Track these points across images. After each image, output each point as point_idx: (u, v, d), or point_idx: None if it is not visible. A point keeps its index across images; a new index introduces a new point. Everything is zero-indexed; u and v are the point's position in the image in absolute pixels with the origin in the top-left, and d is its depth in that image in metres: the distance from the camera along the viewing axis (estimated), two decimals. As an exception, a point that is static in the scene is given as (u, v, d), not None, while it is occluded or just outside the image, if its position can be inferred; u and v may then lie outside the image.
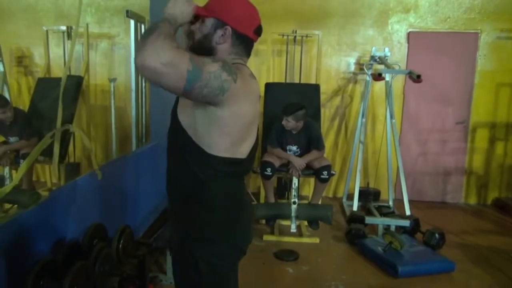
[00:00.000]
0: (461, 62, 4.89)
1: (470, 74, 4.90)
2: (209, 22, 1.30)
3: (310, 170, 3.82)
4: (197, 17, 1.31)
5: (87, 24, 4.21)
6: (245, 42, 1.34)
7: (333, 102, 5.09)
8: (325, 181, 3.78)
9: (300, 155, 3.83)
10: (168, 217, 1.51)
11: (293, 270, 3.15)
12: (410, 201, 4.22)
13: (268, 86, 4.53)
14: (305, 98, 4.26)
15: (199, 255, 1.30)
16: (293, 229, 3.67)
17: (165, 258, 2.82)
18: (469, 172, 5.07)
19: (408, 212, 4.01)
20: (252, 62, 4.94)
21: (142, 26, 3.28)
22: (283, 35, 4.74)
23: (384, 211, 4.27)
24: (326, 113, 5.04)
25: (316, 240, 3.68)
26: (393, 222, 3.79)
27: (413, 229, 3.75)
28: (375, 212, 4.14)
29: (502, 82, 4.86)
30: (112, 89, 3.21)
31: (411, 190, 4.96)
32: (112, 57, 4.69)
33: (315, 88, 4.58)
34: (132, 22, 3.18)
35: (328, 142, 5.07)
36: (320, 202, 4.05)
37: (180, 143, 1.29)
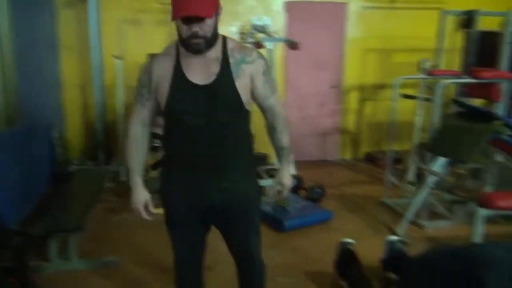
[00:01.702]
0: (333, 30, 5.22)
1: (341, 41, 5.25)
2: (214, 16, 1.52)
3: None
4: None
5: None
6: None
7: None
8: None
9: None
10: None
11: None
12: (294, 162, 4.46)
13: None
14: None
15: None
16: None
17: (48, 246, 2.60)
18: (344, 131, 5.52)
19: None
20: (133, 33, 4.74)
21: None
22: (163, 3, 4.51)
23: (273, 173, 4.46)
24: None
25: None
26: (280, 182, 3.97)
27: (297, 187, 3.99)
28: (264, 175, 4.30)
29: (368, 48, 5.30)
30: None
31: (295, 151, 5.22)
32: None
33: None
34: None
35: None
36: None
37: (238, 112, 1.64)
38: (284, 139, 1.69)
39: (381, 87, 5.33)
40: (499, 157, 3.62)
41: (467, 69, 3.61)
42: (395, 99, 3.89)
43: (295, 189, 3.99)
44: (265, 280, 1.91)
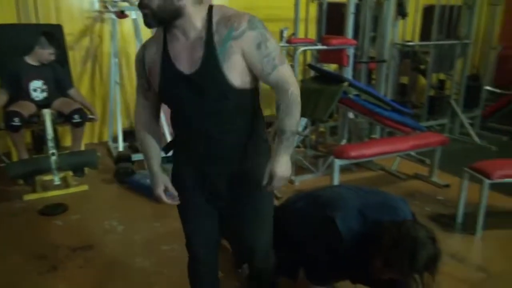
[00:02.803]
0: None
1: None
2: None
3: (62, 118, 3.52)
4: None
5: None
6: None
7: (82, 44, 4.67)
8: (79, 125, 3.56)
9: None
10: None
11: (63, 222, 2.96)
12: (171, 133, 4.44)
13: (-3, 29, 3.78)
14: (47, 40, 3.76)
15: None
16: (57, 181, 3.37)
17: None
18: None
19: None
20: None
21: None
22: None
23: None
24: (76, 56, 4.60)
25: (85, 187, 3.51)
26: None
27: (176, 157, 4.00)
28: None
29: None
30: None
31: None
32: None
33: (57, 29, 4.07)
34: None
35: (83, 87, 4.72)
36: (83, 149, 3.82)
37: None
38: (287, 122, 1.37)
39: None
40: (350, 114, 4.13)
41: (320, 37, 3.96)
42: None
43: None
44: (269, 277, 1.68)
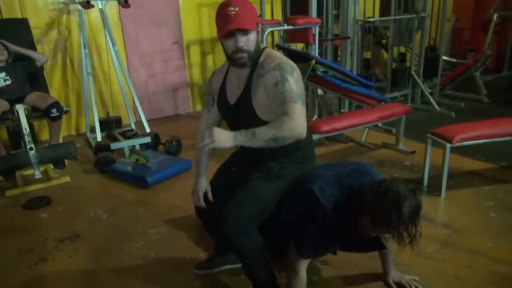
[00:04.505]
0: (165, -14, 5.01)
1: (174, -3, 5.10)
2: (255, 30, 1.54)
3: (38, 112, 3.39)
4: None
5: None
6: None
7: (50, 37, 4.47)
8: (57, 119, 3.44)
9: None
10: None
11: (48, 214, 2.89)
12: (149, 120, 4.36)
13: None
14: (13, 35, 3.59)
15: None
16: (38, 175, 3.26)
17: None
18: (191, 85, 5.55)
19: (148, 130, 4.14)
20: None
21: None
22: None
23: (129, 135, 4.29)
24: (45, 49, 4.41)
25: (67, 179, 3.43)
26: (136, 142, 3.87)
27: (154, 143, 3.95)
28: (120, 138, 4.11)
29: (201, 3, 5.27)
30: None
31: (149, 110, 5.11)
32: None
33: (23, 23, 3.87)
34: None
35: (56, 80, 4.55)
36: (61, 141, 3.70)
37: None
38: (264, 129, 1.43)
39: (217, 39, 5.42)
40: (319, 91, 4.15)
41: (285, 18, 3.92)
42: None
43: (153, 146, 3.94)
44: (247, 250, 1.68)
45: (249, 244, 1.63)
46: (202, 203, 1.86)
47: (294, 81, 1.51)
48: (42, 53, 3.91)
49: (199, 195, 1.86)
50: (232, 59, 1.57)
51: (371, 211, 1.42)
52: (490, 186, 2.95)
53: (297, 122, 1.43)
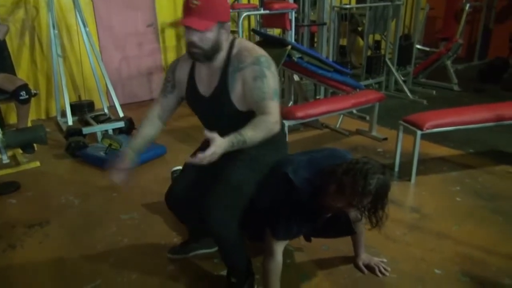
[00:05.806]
0: (139, -34, 4.85)
1: (149, -22, 4.95)
2: (214, 29, 1.46)
3: (6, 95, 3.24)
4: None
5: None
6: None
7: (17, 16, 4.27)
8: (26, 102, 3.30)
9: None
10: None
11: (16, 200, 2.80)
12: (123, 105, 4.26)
13: None
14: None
15: None
16: (6, 160, 3.17)
17: None
18: (166, 69, 5.43)
19: (121, 115, 4.05)
20: None
21: None
22: None
23: (101, 119, 4.18)
24: (11, 28, 4.20)
25: (36, 163, 3.32)
26: (109, 126, 3.79)
27: (128, 128, 3.87)
28: (92, 122, 4.00)
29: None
30: None
31: (123, 94, 4.99)
32: None
33: (-13, 0, 3.68)
34: None
35: (24, 61, 4.37)
36: (30, 125, 3.58)
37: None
38: (249, 133, 1.42)
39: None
40: (295, 77, 4.15)
41: (262, 2, 3.87)
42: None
43: (127, 131, 3.86)
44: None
45: (230, 233, 1.63)
46: (114, 177, 1.68)
47: (272, 76, 1.52)
48: (1, 22, 3.67)
49: (116, 166, 1.68)
50: (187, 50, 1.55)
51: (339, 178, 1.42)
52: (457, 172, 3.05)
53: (276, 120, 1.49)
